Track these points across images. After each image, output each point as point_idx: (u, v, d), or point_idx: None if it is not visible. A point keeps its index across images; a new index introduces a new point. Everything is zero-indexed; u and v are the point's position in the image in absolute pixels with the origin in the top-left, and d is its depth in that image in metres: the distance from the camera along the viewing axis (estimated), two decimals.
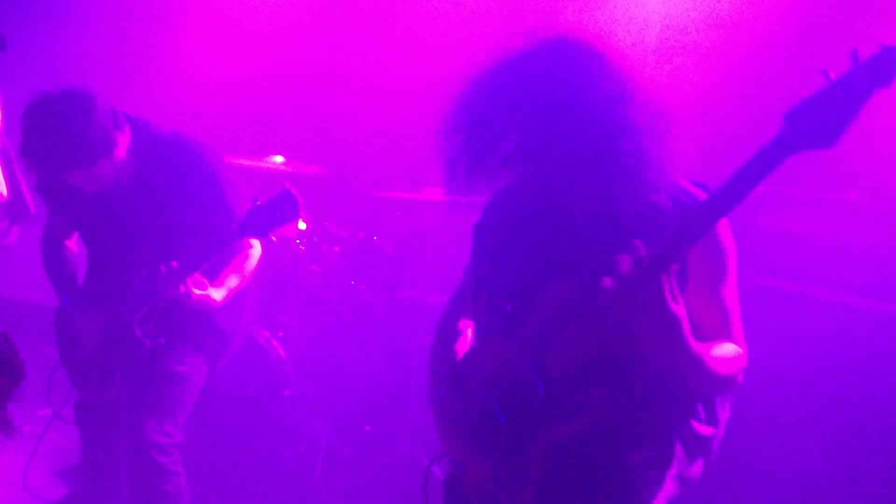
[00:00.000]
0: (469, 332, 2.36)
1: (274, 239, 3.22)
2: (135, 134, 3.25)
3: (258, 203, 3.08)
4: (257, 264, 3.48)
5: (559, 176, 2.01)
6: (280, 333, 4.49)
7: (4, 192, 4.43)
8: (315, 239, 4.71)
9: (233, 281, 3.39)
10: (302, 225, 4.69)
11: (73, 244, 3.62)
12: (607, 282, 1.83)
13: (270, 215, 3.07)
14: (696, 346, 1.90)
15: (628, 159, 1.97)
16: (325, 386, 4.49)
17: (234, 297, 3.42)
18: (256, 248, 3.45)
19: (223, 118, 5.57)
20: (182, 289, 3.18)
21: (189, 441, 3.47)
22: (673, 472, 2.12)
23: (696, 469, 2.18)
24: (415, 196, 4.73)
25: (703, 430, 2.16)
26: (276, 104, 5.65)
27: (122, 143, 3.18)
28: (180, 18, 5.83)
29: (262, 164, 4.82)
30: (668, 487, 2.13)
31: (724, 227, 2.04)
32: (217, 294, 3.32)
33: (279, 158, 4.86)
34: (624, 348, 1.94)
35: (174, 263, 3.14)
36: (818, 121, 1.73)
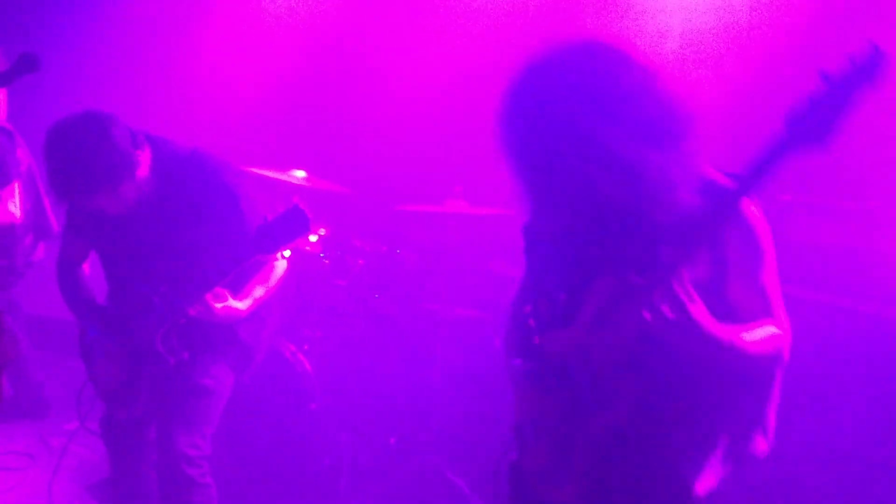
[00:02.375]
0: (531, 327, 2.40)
1: (287, 254, 3.24)
2: (154, 152, 3.29)
3: (268, 220, 3.11)
4: (283, 276, 3.51)
5: (598, 180, 2.02)
6: (305, 347, 4.51)
7: (17, 213, 4.49)
8: (339, 253, 4.74)
9: (258, 291, 3.43)
10: (314, 237, 4.72)
11: (86, 266, 3.66)
12: (631, 283, 1.94)
13: (280, 231, 3.09)
14: (723, 333, 1.99)
15: (662, 162, 2.00)
16: (350, 399, 4.50)
17: (258, 308, 3.45)
18: (282, 260, 3.48)
19: (248, 131, 5.63)
20: (200, 305, 3.21)
21: (215, 454, 3.50)
22: (719, 452, 2.16)
23: (758, 447, 2.21)
24: (437, 209, 4.75)
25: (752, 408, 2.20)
26: (299, 118, 5.69)
27: (144, 162, 3.23)
28: (208, 32, 5.89)
29: (284, 178, 4.86)
30: (716, 468, 2.16)
31: (754, 213, 2.11)
32: (241, 304, 3.35)
33: (301, 173, 4.90)
34: (657, 339, 2.00)
35: (191, 281, 3.18)
36: (814, 121, 1.84)
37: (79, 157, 3.04)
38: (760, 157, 1.90)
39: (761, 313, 2.10)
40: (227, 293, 3.29)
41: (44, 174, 3.23)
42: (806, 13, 4.20)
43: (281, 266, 3.49)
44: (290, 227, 3.10)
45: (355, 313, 4.74)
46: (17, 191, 4.49)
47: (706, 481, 2.15)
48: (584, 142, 1.99)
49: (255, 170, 4.80)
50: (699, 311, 1.95)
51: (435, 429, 4.45)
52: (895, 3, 3.97)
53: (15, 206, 4.50)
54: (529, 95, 2.07)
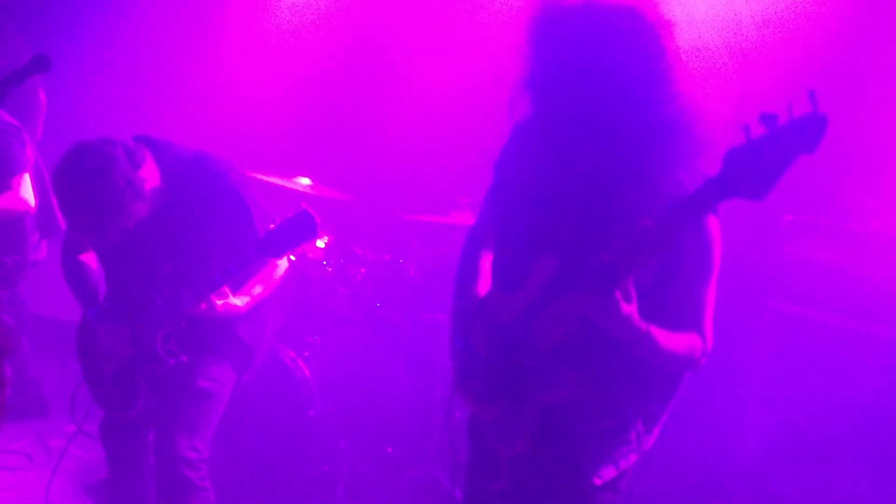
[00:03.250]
0: (486, 270, 2.48)
1: (293, 258, 3.24)
2: (158, 156, 3.30)
3: (277, 223, 3.12)
4: (283, 275, 3.52)
5: (586, 130, 2.08)
6: (306, 353, 4.52)
7: (32, 202, 4.51)
8: (342, 261, 4.75)
9: (257, 289, 3.42)
10: (321, 243, 4.74)
11: (92, 259, 3.67)
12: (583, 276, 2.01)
13: (288, 235, 3.10)
14: (647, 330, 2.06)
15: (658, 132, 2.05)
16: (349, 407, 4.51)
17: (257, 308, 3.45)
18: (283, 260, 3.48)
19: (253, 137, 5.65)
20: (204, 305, 3.22)
21: (214, 459, 3.50)
22: (626, 447, 2.27)
23: (648, 442, 2.33)
24: (441, 220, 4.76)
25: (655, 408, 2.31)
26: (305, 126, 5.71)
27: (149, 178, 3.24)
28: (218, 40, 5.92)
29: (289, 185, 4.88)
30: (622, 459, 2.28)
31: (714, 228, 2.16)
32: (240, 301, 3.35)
33: (306, 181, 4.91)
34: (594, 330, 2.08)
35: (195, 283, 3.18)
36: (752, 172, 1.81)
37: (85, 199, 3.10)
38: (688, 206, 1.93)
39: (690, 322, 2.18)
40: (227, 290, 3.30)
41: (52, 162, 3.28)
42: (813, 34, 4.22)
43: (282, 265, 3.49)
44: (297, 231, 3.11)
45: (357, 321, 4.75)
46: (27, 180, 4.50)
47: (606, 472, 2.27)
48: (589, 82, 2.04)
49: (260, 176, 4.81)
50: (631, 310, 2.01)
51: (433, 438, 4.45)
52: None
53: (28, 193, 4.51)
54: (568, 19, 2.11)
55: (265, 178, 4.83)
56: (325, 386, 4.44)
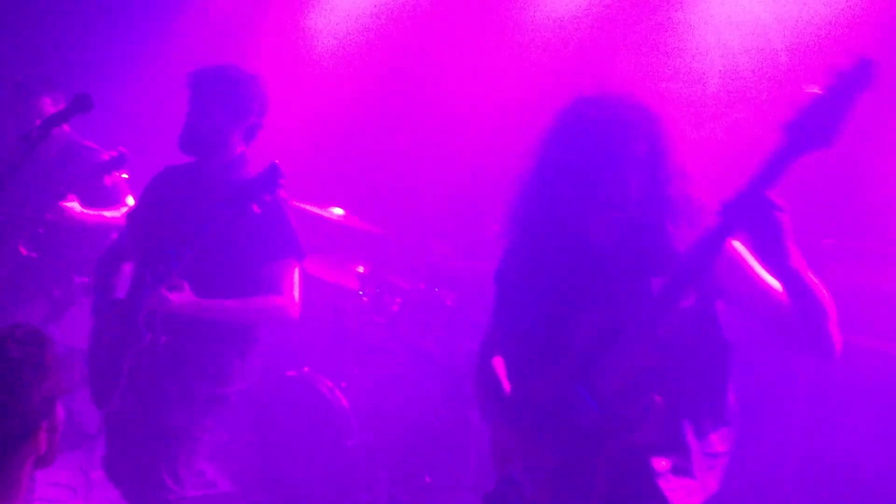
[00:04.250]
0: (502, 371, 2.51)
1: (257, 211, 3.14)
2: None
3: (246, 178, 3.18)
4: (270, 313, 3.37)
5: (584, 217, 2.24)
6: (343, 384, 4.54)
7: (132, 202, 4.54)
8: (377, 290, 4.78)
9: (230, 305, 3.28)
10: (360, 270, 4.77)
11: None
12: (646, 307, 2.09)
13: (253, 187, 3.13)
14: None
15: (657, 213, 2.20)
16: (387, 436, 4.51)
17: (226, 326, 3.32)
18: (282, 303, 3.34)
19: (288, 167, 5.71)
20: (163, 292, 3.17)
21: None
22: (696, 481, 2.25)
23: (713, 481, 2.32)
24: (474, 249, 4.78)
25: (719, 446, 2.31)
26: (339, 157, 5.77)
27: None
28: (256, 67, 5.99)
29: (323, 213, 4.93)
30: (696, 495, 2.26)
31: (737, 246, 2.23)
32: (203, 303, 3.23)
33: (339, 211, 4.96)
34: (662, 363, 2.14)
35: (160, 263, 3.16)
36: (814, 125, 1.98)
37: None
38: (763, 169, 2.03)
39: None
40: (185, 284, 3.21)
41: None
42: (845, 56, 4.19)
43: (277, 305, 3.35)
44: (263, 182, 3.14)
45: (393, 351, 4.76)
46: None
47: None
48: (600, 182, 2.19)
49: (297, 203, 4.87)
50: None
51: (470, 468, 4.44)
52: None
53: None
54: (564, 130, 2.29)
55: (299, 204, 4.88)
56: (363, 416, 4.45)
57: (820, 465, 3.88)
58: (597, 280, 2.26)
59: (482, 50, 5.40)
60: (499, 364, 2.53)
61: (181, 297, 3.19)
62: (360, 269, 4.86)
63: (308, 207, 4.88)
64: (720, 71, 4.63)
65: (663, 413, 2.11)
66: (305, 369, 4.61)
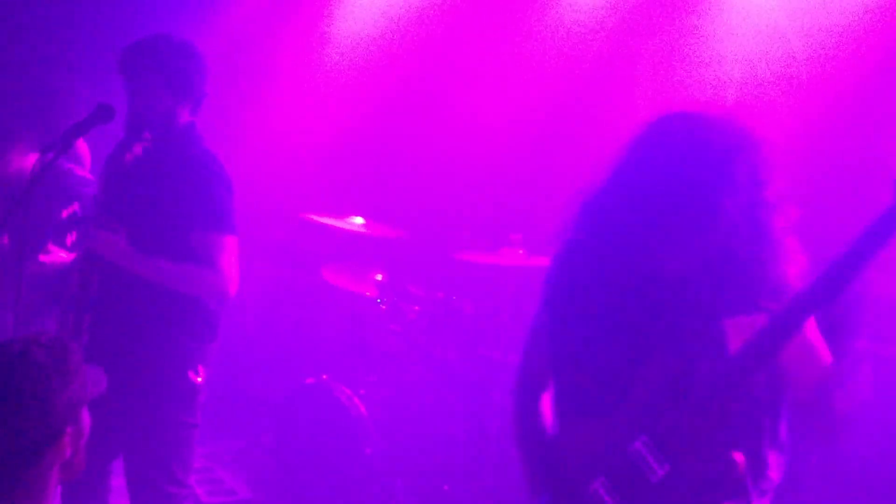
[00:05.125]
0: (548, 406, 2.32)
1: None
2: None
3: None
4: (202, 284, 3.22)
5: (662, 241, 2.05)
6: (361, 391, 4.54)
7: None
8: (395, 298, 4.78)
9: (159, 263, 3.19)
10: (378, 276, 4.78)
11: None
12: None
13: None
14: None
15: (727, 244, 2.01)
16: (405, 444, 4.51)
17: (155, 284, 3.19)
18: (213, 275, 3.21)
19: (308, 178, 5.74)
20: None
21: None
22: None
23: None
24: (493, 259, 4.78)
25: (773, 474, 2.16)
26: (357, 166, 5.78)
27: None
28: (270, 80, 6.03)
29: (343, 225, 4.94)
30: None
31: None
32: (135, 255, 3.17)
33: (359, 220, 4.97)
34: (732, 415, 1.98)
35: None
36: None
37: None
38: (863, 247, 1.83)
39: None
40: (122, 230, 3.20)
41: None
42: (867, 65, 4.18)
43: (202, 275, 3.21)
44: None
45: (410, 359, 4.76)
46: None
47: None
48: (695, 206, 2.01)
49: (315, 217, 4.89)
50: None
51: (488, 477, 4.43)
52: None
53: None
54: (643, 153, 2.12)
55: (319, 218, 4.90)
56: (381, 424, 4.45)
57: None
58: (666, 314, 2.06)
59: (503, 55, 5.40)
60: (545, 403, 2.31)
61: (113, 238, 3.15)
62: (378, 278, 4.86)
63: (325, 220, 4.90)
64: (740, 79, 4.61)
65: (743, 472, 2.00)
66: (324, 377, 4.62)
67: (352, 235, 5.06)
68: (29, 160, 4.28)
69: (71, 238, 4.05)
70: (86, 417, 1.96)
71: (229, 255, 3.24)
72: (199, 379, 3.28)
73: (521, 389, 2.36)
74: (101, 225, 3.19)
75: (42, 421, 1.85)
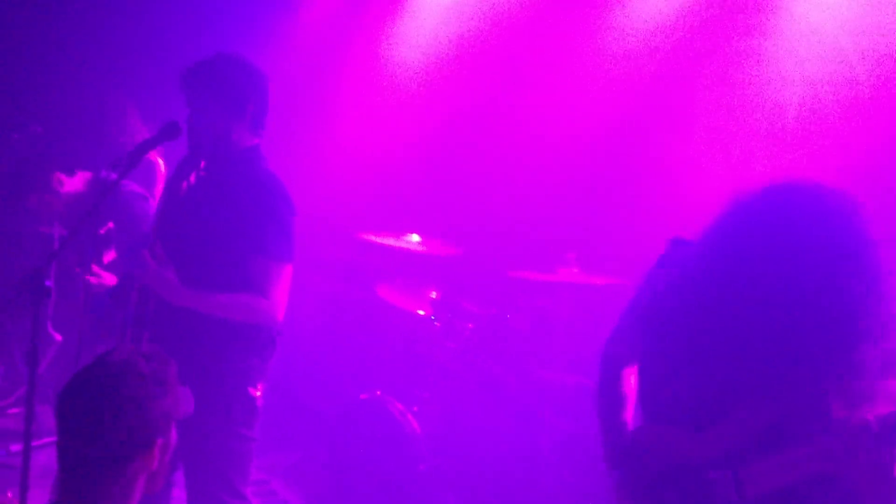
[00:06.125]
0: (631, 394, 2.37)
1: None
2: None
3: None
4: (250, 313, 3.22)
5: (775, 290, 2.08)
6: (415, 408, 4.57)
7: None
8: (449, 315, 4.81)
9: (212, 299, 3.18)
10: (432, 293, 4.81)
11: None
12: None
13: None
14: None
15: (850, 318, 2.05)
16: (458, 462, 4.52)
17: (205, 315, 3.20)
18: (262, 304, 3.21)
19: (365, 195, 5.80)
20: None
21: None
22: None
23: None
24: (548, 277, 4.78)
25: None
26: (414, 184, 5.82)
27: None
28: (332, 100, 6.11)
29: (399, 243, 4.99)
30: None
31: None
32: (183, 290, 3.16)
33: (415, 237, 5.02)
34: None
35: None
36: None
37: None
38: None
39: None
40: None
41: None
42: None
43: (249, 304, 3.21)
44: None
45: (465, 376, 4.78)
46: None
47: None
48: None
49: (370, 236, 4.95)
50: None
51: (540, 495, 4.42)
52: None
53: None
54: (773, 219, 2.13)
55: (375, 237, 4.96)
56: (434, 440, 4.47)
57: None
58: (782, 358, 2.08)
59: (561, 76, 5.41)
60: (628, 385, 2.37)
61: (162, 273, 3.13)
62: (433, 295, 4.90)
63: (381, 240, 4.95)
64: (800, 101, 4.56)
65: None
66: (378, 393, 4.66)
67: (407, 253, 5.10)
68: (83, 178, 4.40)
69: (108, 256, 4.08)
70: (174, 432, 2.02)
71: (284, 284, 3.24)
72: (258, 394, 3.32)
73: (607, 361, 2.42)
74: (154, 254, 3.16)
75: (137, 429, 1.91)
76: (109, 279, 3.82)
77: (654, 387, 2.28)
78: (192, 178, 3.39)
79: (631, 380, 2.38)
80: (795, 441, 2.02)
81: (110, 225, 4.06)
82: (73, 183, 4.28)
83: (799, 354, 2.05)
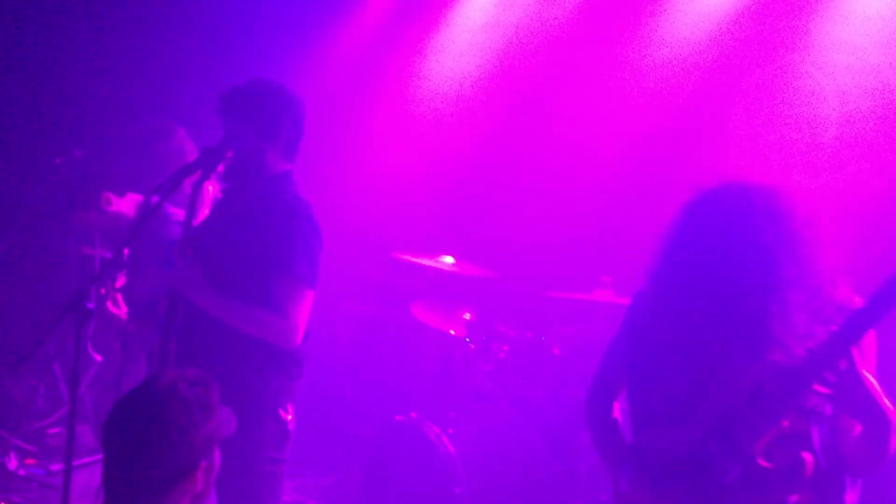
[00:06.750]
0: (625, 419, 2.60)
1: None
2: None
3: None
4: (268, 330, 3.19)
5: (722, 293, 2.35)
6: (450, 430, 4.56)
7: None
8: (484, 337, 4.81)
9: (229, 302, 3.18)
10: (467, 315, 4.81)
11: None
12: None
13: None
14: None
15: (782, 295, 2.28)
16: (493, 484, 4.51)
17: (225, 321, 3.19)
18: (281, 323, 3.19)
19: (400, 216, 5.83)
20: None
21: None
22: None
23: None
24: (584, 297, 4.76)
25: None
26: (449, 205, 5.85)
27: None
28: (368, 120, 6.16)
29: (433, 264, 5.00)
30: None
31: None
32: (195, 273, 3.17)
33: (449, 259, 5.03)
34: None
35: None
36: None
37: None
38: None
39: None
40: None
41: None
42: None
43: (270, 320, 3.19)
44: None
45: (499, 398, 4.77)
46: None
47: None
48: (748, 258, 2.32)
49: (406, 256, 4.96)
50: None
51: None
52: None
53: None
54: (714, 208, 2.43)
55: (411, 258, 4.98)
56: (470, 463, 4.46)
57: None
58: (738, 339, 2.33)
59: (594, 97, 5.42)
60: (619, 411, 2.63)
61: (189, 271, 3.15)
62: (467, 317, 4.90)
63: (416, 259, 4.96)
64: (838, 118, 4.53)
65: (811, 472, 2.17)
66: (413, 414, 4.66)
67: (441, 273, 5.12)
68: (133, 199, 4.46)
69: (120, 280, 4.03)
70: (217, 454, 2.06)
71: (304, 307, 3.22)
72: (289, 417, 3.31)
73: (593, 399, 2.70)
74: (184, 254, 3.19)
75: (182, 452, 1.96)
76: (125, 311, 3.83)
77: (643, 400, 2.50)
78: (223, 199, 3.44)
79: (618, 407, 2.65)
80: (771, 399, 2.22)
81: (125, 250, 4.11)
82: (122, 204, 4.33)
83: (747, 321, 2.31)
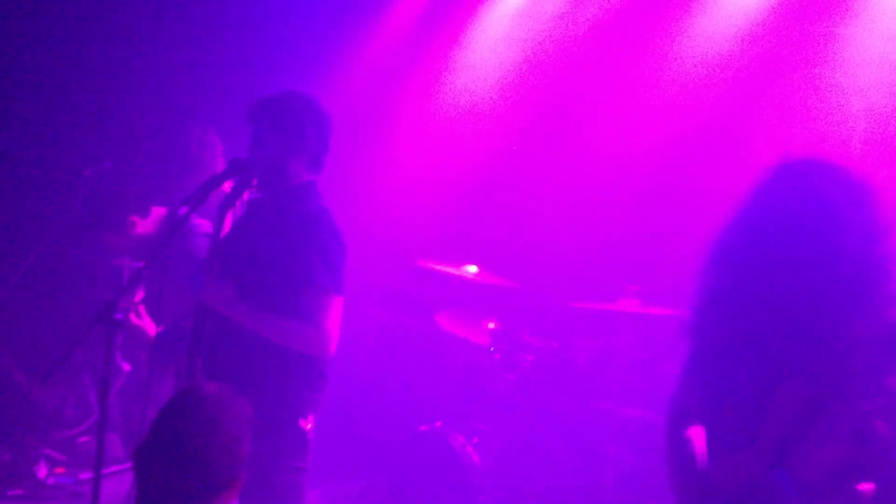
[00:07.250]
0: (700, 441, 2.47)
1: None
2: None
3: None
4: (299, 340, 3.22)
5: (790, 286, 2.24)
6: (474, 440, 4.56)
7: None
8: (508, 347, 4.80)
9: (260, 313, 3.21)
10: (491, 324, 4.82)
11: None
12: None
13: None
14: None
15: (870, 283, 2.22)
16: (518, 494, 4.50)
17: (255, 333, 3.21)
18: (312, 332, 3.21)
19: (425, 226, 5.84)
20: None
21: None
22: None
23: None
24: (609, 307, 4.75)
25: None
26: (474, 214, 5.85)
27: None
28: (393, 129, 6.18)
29: (457, 272, 5.01)
30: None
31: None
32: (239, 305, 3.21)
33: (473, 268, 5.03)
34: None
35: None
36: None
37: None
38: None
39: None
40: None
41: None
42: None
43: (301, 331, 3.21)
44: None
45: (524, 408, 4.76)
46: None
47: None
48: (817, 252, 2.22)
49: (430, 265, 4.97)
50: None
51: None
52: None
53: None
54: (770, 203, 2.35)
55: (436, 266, 4.99)
56: (494, 473, 4.46)
57: None
58: (800, 350, 2.25)
59: (619, 106, 5.41)
60: (696, 434, 2.50)
61: (220, 285, 3.18)
62: (491, 326, 4.90)
63: (441, 268, 4.97)
64: (864, 131, 4.50)
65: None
66: (438, 424, 4.66)
67: (466, 282, 5.12)
68: (157, 216, 4.49)
69: (139, 294, 4.02)
70: (246, 447, 2.07)
71: (334, 315, 3.24)
72: (309, 426, 3.31)
73: (671, 423, 2.58)
74: (212, 270, 3.23)
75: (229, 464, 1.98)
76: (150, 327, 3.85)
77: (707, 422, 2.42)
78: (247, 211, 3.47)
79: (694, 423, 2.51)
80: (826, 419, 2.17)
81: (143, 263, 4.12)
82: (146, 225, 4.36)
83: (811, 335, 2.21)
